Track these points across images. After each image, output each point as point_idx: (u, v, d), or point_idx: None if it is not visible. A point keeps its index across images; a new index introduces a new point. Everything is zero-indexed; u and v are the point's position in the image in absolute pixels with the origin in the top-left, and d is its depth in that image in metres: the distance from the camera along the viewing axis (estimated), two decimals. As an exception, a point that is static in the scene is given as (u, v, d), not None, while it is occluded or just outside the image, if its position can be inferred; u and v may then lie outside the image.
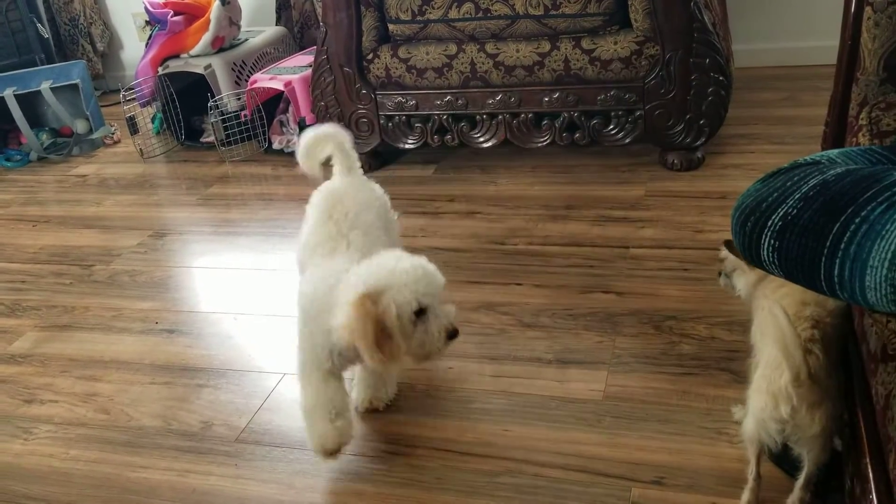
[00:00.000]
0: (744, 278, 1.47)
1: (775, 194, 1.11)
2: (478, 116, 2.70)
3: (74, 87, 3.46)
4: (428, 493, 1.47)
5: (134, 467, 1.63)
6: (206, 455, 1.64)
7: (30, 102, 3.50)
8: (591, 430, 1.56)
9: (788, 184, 1.12)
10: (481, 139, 2.73)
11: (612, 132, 2.59)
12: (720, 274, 1.56)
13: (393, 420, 1.66)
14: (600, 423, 1.57)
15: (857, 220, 0.99)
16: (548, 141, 2.66)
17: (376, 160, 2.89)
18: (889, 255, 0.95)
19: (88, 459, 1.66)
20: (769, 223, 1.10)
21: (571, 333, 1.86)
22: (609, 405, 1.61)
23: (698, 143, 2.54)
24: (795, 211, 1.07)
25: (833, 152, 1.22)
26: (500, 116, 2.67)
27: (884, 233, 0.96)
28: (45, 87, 3.42)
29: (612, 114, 2.57)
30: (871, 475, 1.03)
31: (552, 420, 1.60)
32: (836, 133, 1.62)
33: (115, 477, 1.60)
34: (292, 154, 3.13)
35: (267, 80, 3.05)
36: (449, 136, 2.75)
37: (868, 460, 1.05)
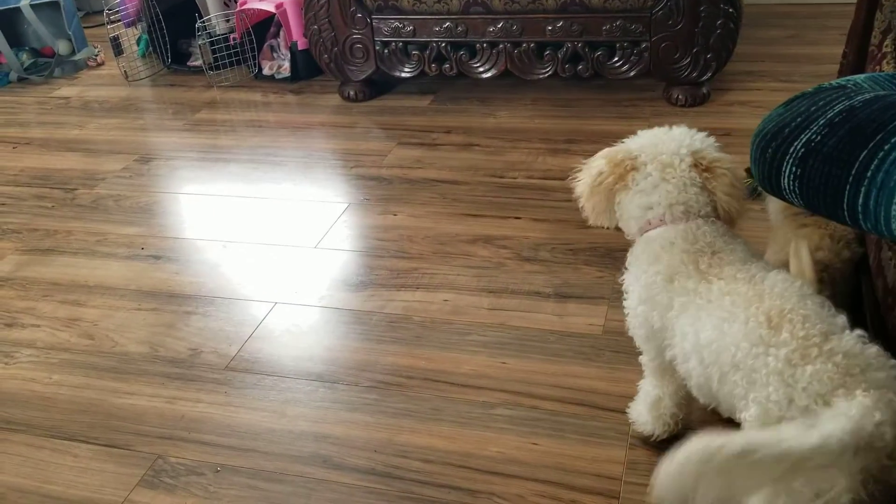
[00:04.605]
0: (774, 203, 1.46)
1: (798, 119, 1.06)
2: (478, 45, 2.59)
3: (56, 4, 3.31)
4: (422, 423, 1.43)
5: (119, 393, 1.58)
6: (195, 382, 1.59)
7: (9, 20, 3.35)
8: (590, 364, 1.53)
9: (813, 108, 1.06)
10: (481, 69, 2.63)
11: (617, 64, 2.51)
12: (753, 190, 1.54)
13: (388, 351, 1.62)
14: (599, 358, 1.53)
15: (885, 148, 0.94)
16: (550, 72, 2.57)
17: (371, 89, 2.78)
18: None
19: (72, 384, 1.61)
20: (791, 150, 1.04)
21: (571, 268, 1.81)
22: (609, 340, 1.57)
23: (704, 77, 2.46)
24: (820, 137, 1.01)
25: (859, 77, 1.15)
26: (500, 45, 2.57)
27: None
28: (24, 3, 3.27)
29: (618, 45, 2.48)
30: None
31: (550, 353, 1.56)
32: (856, 63, 1.55)
33: (100, 402, 1.56)
34: (283, 80, 3.04)
35: (257, 1, 2.92)
36: (447, 65, 2.65)
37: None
